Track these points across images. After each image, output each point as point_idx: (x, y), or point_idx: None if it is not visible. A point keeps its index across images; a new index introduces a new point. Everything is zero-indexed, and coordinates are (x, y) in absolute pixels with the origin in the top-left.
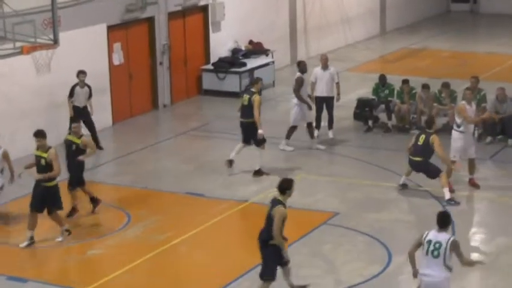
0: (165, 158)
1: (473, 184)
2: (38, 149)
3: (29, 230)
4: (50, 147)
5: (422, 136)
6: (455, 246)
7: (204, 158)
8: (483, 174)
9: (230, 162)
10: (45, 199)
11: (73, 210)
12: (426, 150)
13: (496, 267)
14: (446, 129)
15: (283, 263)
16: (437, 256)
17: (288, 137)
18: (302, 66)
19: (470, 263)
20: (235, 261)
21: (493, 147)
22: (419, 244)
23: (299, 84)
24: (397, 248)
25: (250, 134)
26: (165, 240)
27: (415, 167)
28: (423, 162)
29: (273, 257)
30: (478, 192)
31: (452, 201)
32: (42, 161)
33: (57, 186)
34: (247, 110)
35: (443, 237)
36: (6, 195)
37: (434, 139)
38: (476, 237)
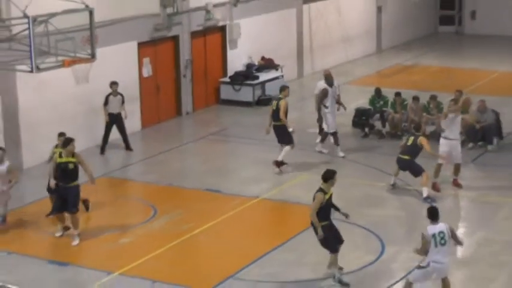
0: (187, 158)
1: (456, 184)
2: (61, 155)
3: (60, 222)
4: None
5: (411, 138)
6: (452, 231)
7: (222, 158)
8: (466, 176)
9: (279, 164)
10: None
11: (86, 202)
12: (413, 150)
13: (477, 258)
14: (434, 136)
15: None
16: (444, 244)
17: (322, 141)
18: (329, 79)
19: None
20: (247, 249)
21: (474, 152)
22: (427, 243)
23: (324, 94)
24: (389, 240)
25: (278, 135)
26: (187, 230)
27: (402, 164)
28: (409, 161)
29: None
30: (461, 192)
31: (429, 199)
32: (71, 165)
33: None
34: (276, 114)
35: (442, 226)
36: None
37: (422, 140)
38: (459, 231)
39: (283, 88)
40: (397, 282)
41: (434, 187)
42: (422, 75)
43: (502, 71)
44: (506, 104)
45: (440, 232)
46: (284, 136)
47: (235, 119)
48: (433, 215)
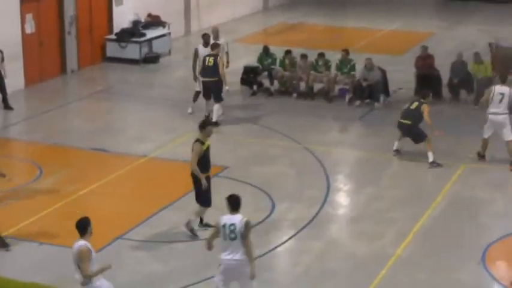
0: (73, 117)
1: None
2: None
3: None
4: None
5: (416, 103)
6: (247, 227)
7: (108, 117)
8: (353, 133)
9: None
10: None
11: None
12: (415, 115)
13: (366, 214)
14: (321, 94)
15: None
16: (235, 238)
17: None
18: (206, 39)
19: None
20: (135, 209)
21: (361, 109)
22: (217, 232)
23: (195, 55)
24: (279, 198)
25: (213, 91)
26: (74, 191)
27: (404, 129)
28: (411, 126)
29: (199, 185)
30: (348, 149)
31: (434, 163)
32: None
33: None
34: (211, 70)
35: (237, 218)
36: None
37: (425, 108)
38: (348, 187)
39: (216, 46)
40: (288, 240)
41: (481, 158)
42: (309, 34)
43: (388, 29)
44: (393, 62)
45: (232, 225)
46: (219, 93)
47: (122, 77)
48: (234, 204)
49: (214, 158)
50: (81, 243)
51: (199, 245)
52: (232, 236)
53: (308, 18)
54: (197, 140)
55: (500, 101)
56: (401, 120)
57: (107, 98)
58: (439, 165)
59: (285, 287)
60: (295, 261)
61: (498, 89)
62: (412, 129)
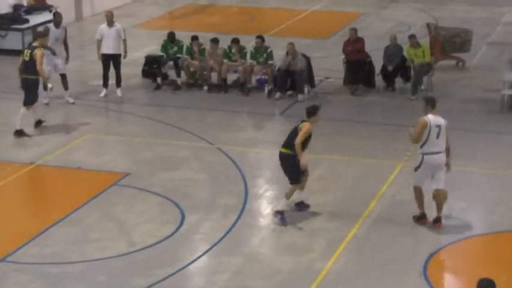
0: None
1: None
2: None
3: None
4: None
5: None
6: None
7: None
8: (273, 131)
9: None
10: None
11: None
12: (293, 139)
13: (292, 224)
14: (236, 86)
15: None
16: None
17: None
18: (56, 18)
19: None
20: (22, 226)
21: (283, 102)
22: None
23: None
24: (190, 208)
25: (27, 91)
26: None
27: (280, 159)
28: (287, 157)
29: None
30: (269, 149)
31: (279, 215)
32: None
33: None
34: (29, 66)
35: None
36: None
37: (303, 126)
38: (269, 193)
39: (41, 34)
40: (201, 256)
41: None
42: (220, 16)
43: (312, 10)
44: (318, 47)
45: None
46: (31, 94)
47: (3, 70)
48: None
49: (113, 163)
50: None
51: (97, 266)
52: None
53: None
54: None
55: (438, 135)
56: (280, 149)
57: None
58: (282, 219)
59: None
60: (210, 281)
61: (433, 120)
62: (287, 162)
